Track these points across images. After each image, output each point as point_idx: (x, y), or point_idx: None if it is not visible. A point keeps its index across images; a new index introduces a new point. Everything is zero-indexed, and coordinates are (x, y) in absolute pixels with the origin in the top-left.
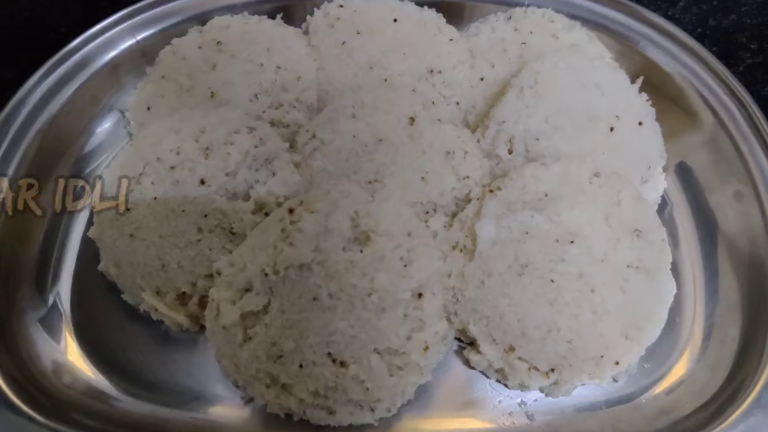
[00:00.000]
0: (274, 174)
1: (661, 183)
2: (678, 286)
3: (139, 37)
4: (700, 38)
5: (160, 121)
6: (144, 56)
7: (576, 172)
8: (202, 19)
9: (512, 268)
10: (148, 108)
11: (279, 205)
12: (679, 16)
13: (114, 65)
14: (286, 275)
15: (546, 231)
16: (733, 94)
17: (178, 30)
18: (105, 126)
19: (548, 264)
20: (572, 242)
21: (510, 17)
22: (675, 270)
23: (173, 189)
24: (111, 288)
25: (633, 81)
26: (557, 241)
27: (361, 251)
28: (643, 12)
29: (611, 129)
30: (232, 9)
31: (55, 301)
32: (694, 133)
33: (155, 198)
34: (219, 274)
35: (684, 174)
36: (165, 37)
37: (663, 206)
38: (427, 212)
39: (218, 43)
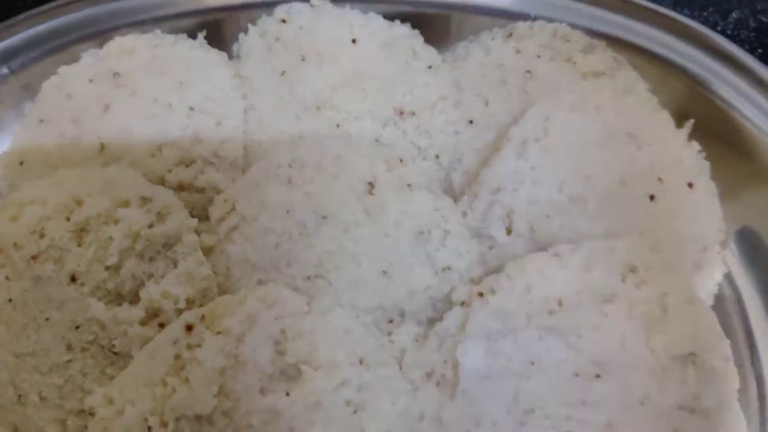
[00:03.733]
0: (175, 264)
1: (718, 267)
2: (747, 417)
3: (14, 64)
4: (761, 61)
5: (30, 184)
6: (26, 89)
7: (603, 266)
8: (100, 38)
9: (511, 414)
10: (21, 163)
11: (179, 312)
12: (732, 32)
13: None
14: (178, 429)
15: (561, 360)
16: None
17: (68, 54)
18: None
19: (563, 409)
20: (598, 377)
21: (510, 34)
22: (743, 395)
23: (34, 288)
24: None
25: (678, 123)
26: (577, 375)
27: (288, 394)
28: (690, 25)
29: (651, 198)
30: (141, 25)
31: None
32: (762, 188)
33: (9, 300)
34: (92, 414)
35: (748, 247)
36: (52, 63)
37: (719, 299)
38: (391, 321)
39: (115, 74)
